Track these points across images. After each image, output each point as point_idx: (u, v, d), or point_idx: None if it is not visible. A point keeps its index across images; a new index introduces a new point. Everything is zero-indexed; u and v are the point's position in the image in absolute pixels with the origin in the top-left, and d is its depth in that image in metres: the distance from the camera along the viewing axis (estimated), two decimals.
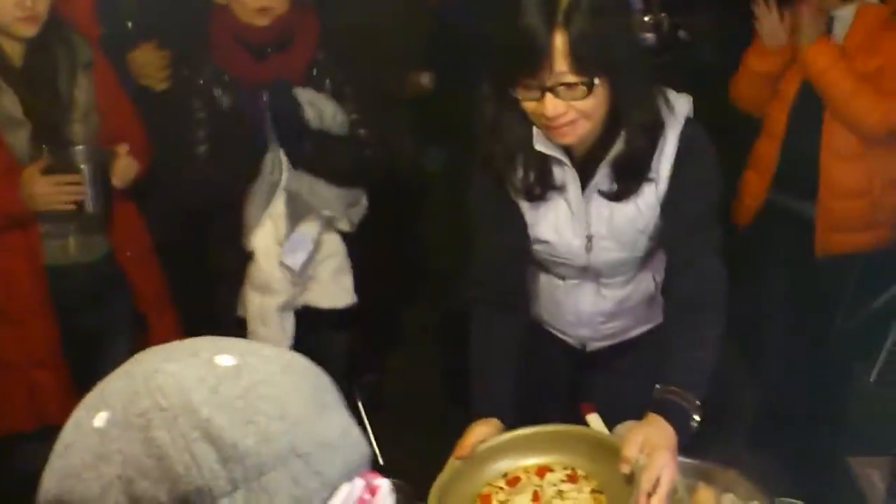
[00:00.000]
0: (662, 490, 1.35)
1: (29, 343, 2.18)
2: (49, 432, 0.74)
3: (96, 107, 2.18)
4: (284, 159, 2.08)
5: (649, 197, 1.58)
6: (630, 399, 1.85)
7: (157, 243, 2.40)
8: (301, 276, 2.15)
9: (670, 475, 1.38)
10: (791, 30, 2.49)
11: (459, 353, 1.77)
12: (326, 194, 2.14)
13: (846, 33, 2.46)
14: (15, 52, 2.07)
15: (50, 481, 0.69)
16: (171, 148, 2.18)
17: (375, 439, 2.71)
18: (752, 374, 2.77)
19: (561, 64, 1.41)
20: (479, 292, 1.68)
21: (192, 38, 2.24)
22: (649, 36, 4.37)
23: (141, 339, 2.42)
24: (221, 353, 0.70)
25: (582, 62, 1.41)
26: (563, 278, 1.74)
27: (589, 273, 1.70)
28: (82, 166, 2.04)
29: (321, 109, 2.10)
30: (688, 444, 1.48)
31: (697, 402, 1.47)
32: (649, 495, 1.34)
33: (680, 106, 1.56)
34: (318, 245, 2.15)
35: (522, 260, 1.70)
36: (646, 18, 4.41)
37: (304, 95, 2.07)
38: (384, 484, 0.72)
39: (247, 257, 2.19)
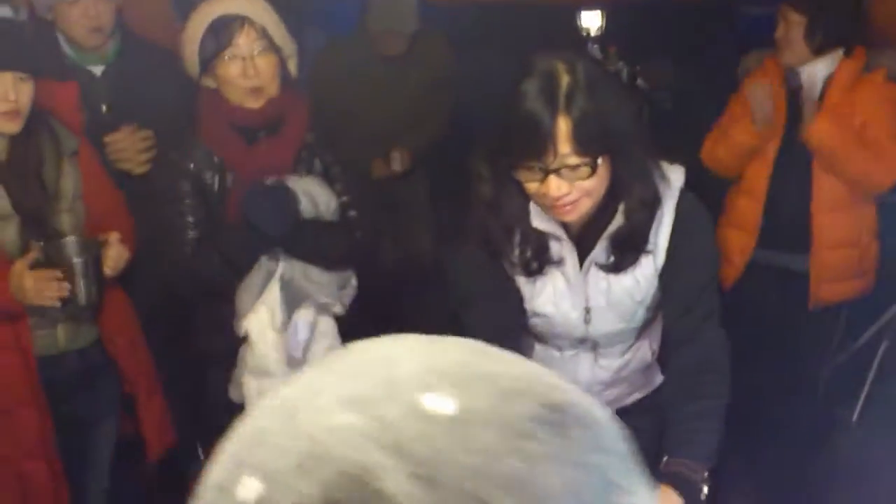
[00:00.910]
0: None
1: (20, 433, 2.17)
2: None
3: (83, 195, 2.19)
4: (279, 251, 2.10)
5: (647, 269, 1.62)
6: None
7: (144, 327, 2.41)
8: (298, 361, 2.17)
9: None
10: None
11: None
12: (320, 280, 2.17)
13: (826, 93, 2.54)
14: (0, 146, 2.08)
15: None
16: (159, 233, 2.19)
17: None
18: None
19: (564, 147, 1.45)
20: None
21: (177, 121, 2.26)
22: None
23: (129, 421, 2.43)
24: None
25: (585, 144, 1.45)
26: (560, 349, 1.77)
27: (587, 344, 1.73)
28: (74, 259, 2.05)
29: (314, 197, 2.13)
30: None
31: (706, 474, 1.51)
32: None
33: (675, 177, 1.61)
34: (313, 329, 2.17)
35: (518, 331, 1.72)
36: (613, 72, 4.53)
37: (300, 185, 2.09)
38: None
39: (237, 342, 2.19)
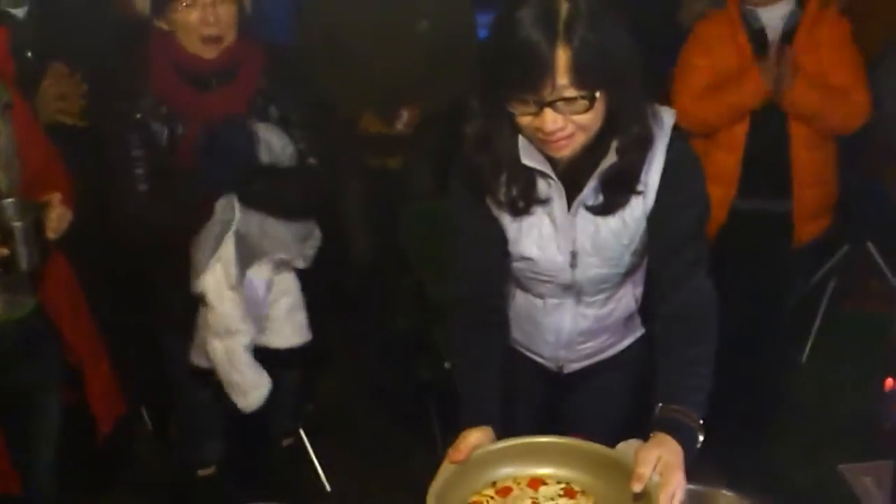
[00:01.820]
0: None
1: None
2: None
3: (17, 152, 2.01)
4: (235, 199, 1.99)
5: (636, 210, 1.58)
6: (610, 418, 1.88)
7: (88, 292, 2.26)
8: (257, 317, 2.07)
9: (682, 495, 1.38)
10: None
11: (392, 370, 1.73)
12: (278, 234, 2.06)
13: (794, 38, 2.52)
14: None
15: None
16: (107, 188, 2.04)
17: (321, 466, 2.67)
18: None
19: (563, 78, 1.37)
20: (459, 309, 1.65)
21: (110, 66, 2.10)
22: None
23: (75, 391, 2.29)
24: None
25: (584, 76, 1.37)
26: (542, 297, 1.73)
27: (571, 291, 1.70)
28: (14, 223, 1.88)
29: (270, 142, 2.02)
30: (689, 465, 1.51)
31: (700, 421, 1.48)
32: None
33: (667, 118, 1.56)
34: (270, 285, 2.07)
35: (503, 275, 1.68)
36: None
37: (255, 130, 1.99)
38: None
39: (194, 303, 2.08)
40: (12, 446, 2.17)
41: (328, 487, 2.69)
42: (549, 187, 1.58)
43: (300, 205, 2.08)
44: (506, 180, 1.56)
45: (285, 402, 2.43)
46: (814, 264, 3.27)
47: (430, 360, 2.86)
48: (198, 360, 2.09)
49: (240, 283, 2.01)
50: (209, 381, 2.11)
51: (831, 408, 2.98)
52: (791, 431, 2.91)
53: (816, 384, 3.17)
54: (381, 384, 3.15)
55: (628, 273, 1.70)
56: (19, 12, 2.31)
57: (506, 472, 1.46)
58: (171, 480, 2.65)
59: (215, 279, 2.00)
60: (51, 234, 1.97)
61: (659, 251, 1.60)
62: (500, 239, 1.63)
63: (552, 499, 1.42)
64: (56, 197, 1.97)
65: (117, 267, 2.31)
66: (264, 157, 2.02)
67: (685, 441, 1.44)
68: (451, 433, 1.50)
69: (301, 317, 2.16)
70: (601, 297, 1.72)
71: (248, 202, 2.00)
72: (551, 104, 1.40)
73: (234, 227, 1.99)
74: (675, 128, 1.58)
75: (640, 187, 1.55)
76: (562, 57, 1.37)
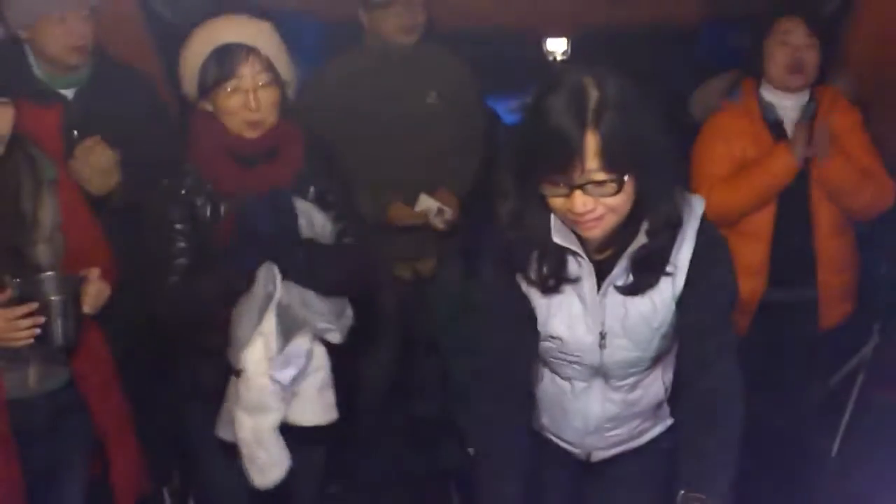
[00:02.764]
0: None
1: None
2: None
3: (61, 226, 2.06)
4: (277, 271, 2.00)
5: (665, 293, 1.60)
6: None
7: (121, 364, 2.27)
8: (287, 394, 2.06)
9: None
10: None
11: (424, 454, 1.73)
12: (318, 307, 2.08)
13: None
14: None
15: None
16: (147, 261, 2.08)
17: None
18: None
19: (592, 163, 1.43)
20: (483, 387, 1.66)
21: (154, 145, 2.16)
22: None
23: (98, 466, 2.28)
24: None
25: (612, 161, 1.43)
26: (570, 380, 1.73)
27: (599, 374, 1.70)
28: (52, 297, 1.91)
29: (311, 218, 2.06)
30: None
31: None
32: None
33: (696, 203, 1.60)
34: (309, 357, 2.07)
35: (530, 355, 1.69)
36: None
37: (297, 205, 2.03)
38: None
39: (224, 375, 2.08)
40: None
41: None
42: (580, 266, 1.61)
43: (339, 282, 2.10)
44: (537, 258, 1.60)
45: (309, 482, 2.40)
46: (840, 352, 3.24)
47: (454, 444, 2.84)
48: (224, 433, 2.08)
49: (280, 358, 2.00)
50: (231, 455, 2.09)
51: (863, 499, 2.91)
52: None
53: (848, 475, 3.10)
54: (406, 468, 3.11)
55: (657, 358, 1.70)
56: (69, 93, 2.40)
57: None
58: None
59: (256, 353, 2.00)
60: (87, 310, 2.00)
61: (686, 335, 1.62)
62: (529, 317, 1.65)
63: None
64: (95, 272, 2.01)
65: (148, 339, 2.32)
66: (305, 231, 2.05)
67: None
68: None
69: (330, 395, 2.15)
70: (630, 381, 1.72)
71: (290, 275, 2.02)
72: (581, 187, 1.45)
73: (276, 300, 2.00)
74: (704, 215, 1.62)
75: (669, 268, 1.58)
76: (591, 142, 1.42)
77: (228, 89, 2.00)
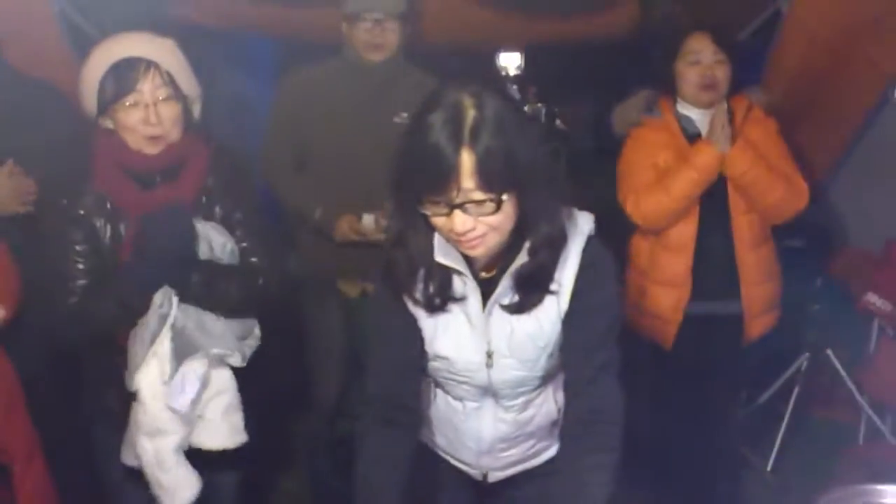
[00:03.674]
0: None
1: None
2: None
3: None
4: (172, 293, 1.98)
5: (551, 311, 1.59)
6: None
7: (26, 387, 2.23)
8: (190, 416, 2.03)
9: None
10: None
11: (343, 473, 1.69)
12: (215, 329, 2.04)
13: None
14: None
15: None
16: (48, 282, 2.03)
17: None
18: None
19: (468, 182, 1.42)
20: (370, 407, 1.64)
21: (62, 163, 2.11)
22: None
23: (4, 491, 2.23)
24: None
25: (489, 180, 1.42)
26: (461, 400, 1.72)
27: (489, 394, 1.68)
28: None
29: (210, 239, 2.03)
30: None
31: None
32: None
33: (583, 222, 1.59)
34: (205, 382, 2.04)
35: (417, 376, 1.68)
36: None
37: (197, 225, 2.00)
38: None
39: (129, 399, 2.04)
40: None
41: None
42: (465, 285, 1.59)
43: (238, 302, 2.06)
44: (422, 277, 1.58)
45: None
46: (767, 364, 3.25)
47: None
48: (128, 459, 2.04)
49: (173, 381, 1.97)
50: (140, 481, 2.05)
51: None
52: None
53: (781, 493, 3.10)
54: (335, 487, 3.07)
55: (546, 377, 1.69)
56: None
57: None
58: None
59: (150, 375, 1.97)
60: None
61: (568, 354, 1.61)
62: (416, 337, 1.64)
63: None
64: None
65: (55, 361, 2.27)
66: (204, 253, 2.02)
67: None
68: None
69: (237, 417, 2.11)
70: (520, 401, 1.71)
71: (185, 297, 1.99)
72: (460, 206, 1.43)
73: (170, 322, 1.97)
74: (595, 234, 1.61)
75: (553, 286, 1.57)
76: (466, 161, 1.41)
77: (127, 104, 1.96)
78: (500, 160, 1.42)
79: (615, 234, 2.70)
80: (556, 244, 1.54)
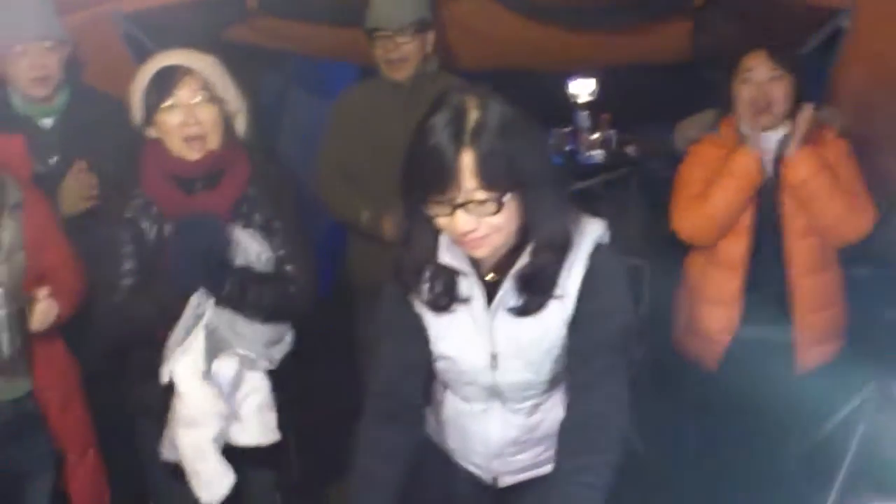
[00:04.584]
0: None
1: None
2: None
3: (24, 246, 2.18)
4: (209, 295, 2.08)
5: (556, 316, 1.59)
6: None
7: (86, 379, 2.37)
8: (225, 412, 2.11)
9: None
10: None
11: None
12: (245, 332, 2.14)
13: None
14: None
15: None
16: (96, 281, 2.18)
17: None
18: None
19: (470, 182, 1.44)
20: (374, 404, 1.67)
21: (122, 170, 2.26)
22: (597, 153, 4.48)
23: (61, 479, 2.37)
24: None
25: (490, 180, 1.44)
26: (469, 401, 1.73)
27: (495, 396, 1.69)
28: None
29: (246, 246, 2.13)
30: None
31: None
32: None
33: (591, 228, 1.60)
34: (238, 382, 2.12)
35: (421, 374, 1.70)
36: (594, 136, 4.53)
37: (235, 232, 2.10)
38: None
39: (170, 394, 2.15)
40: None
41: None
42: (470, 286, 1.61)
43: (270, 308, 2.16)
44: (429, 278, 1.61)
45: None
46: (825, 397, 3.09)
47: None
48: (168, 452, 2.14)
49: (206, 377, 2.07)
50: (180, 474, 2.14)
51: None
52: None
53: None
54: None
55: (554, 381, 1.69)
56: (46, 122, 2.55)
57: None
58: None
59: (184, 370, 2.07)
60: (35, 326, 2.12)
61: (573, 357, 1.61)
62: (422, 336, 1.67)
63: None
64: (42, 292, 2.12)
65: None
66: (240, 259, 2.12)
67: None
68: None
69: (270, 417, 2.19)
70: (528, 404, 1.71)
71: (219, 300, 2.09)
72: (462, 206, 1.46)
73: (204, 321, 2.07)
74: (606, 243, 1.61)
75: (558, 291, 1.57)
76: (468, 161, 1.44)
77: (166, 107, 2.10)
78: (502, 161, 1.44)
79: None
80: (559, 247, 1.55)
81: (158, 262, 2.14)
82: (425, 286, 1.62)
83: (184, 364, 2.05)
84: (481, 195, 1.45)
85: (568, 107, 4.64)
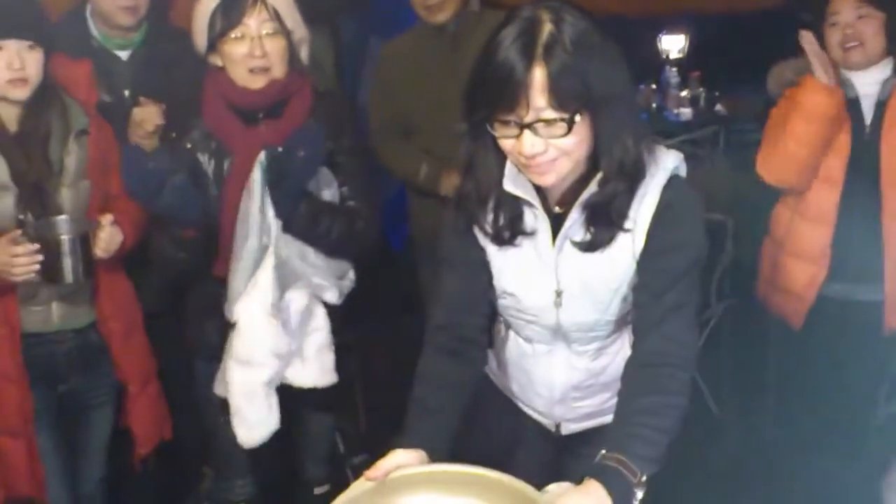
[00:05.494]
0: None
1: (1, 410, 2.13)
2: None
3: (88, 174, 2.17)
4: (275, 223, 2.01)
5: (625, 252, 1.49)
6: None
7: (146, 314, 2.36)
8: (287, 351, 2.07)
9: None
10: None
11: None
12: (317, 262, 2.07)
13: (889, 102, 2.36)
14: (10, 116, 2.08)
15: None
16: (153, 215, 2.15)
17: None
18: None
19: (539, 99, 1.34)
20: (434, 338, 1.59)
21: (184, 101, 2.21)
22: (686, 111, 4.35)
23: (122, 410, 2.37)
24: None
25: (561, 97, 1.34)
26: (531, 342, 1.65)
27: (559, 337, 1.61)
28: (62, 237, 2.02)
29: (317, 177, 2.07)
30: None
31: (643, 477, 1.34)
32: None
33: (667, 158, 1.48)
34: (307, 316, 2.07)
35: (484, 310, 1.61)
36: (683, 93, 4.38)
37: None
38: None
39: (228, 331, 2.11)
40: (62, 456, 2.28)
41: None
42: (535, 219, 1.51)
43: (337, 241, 2.09)
44: (492, 208, 1.52)
45: (315, 448, 2.40)
46: None
47: None
48: (219, 389, 2.11)
49: (276, 310, 2.02)
50: (227, 410, 2.11)
51: None
52: None
53: None
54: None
55: (620, 321, 1.59)
56: (123, 54, 2.52)
57: (422, 498, 1.36)
58: None
59: (252, 304, 2.02)
60: (99, 253, 2.09)
61: (639, 294, 1.50)
62: (485, 270, 1.58)
63: None
64: (107, 218, 2.10)
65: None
66: (311, 186, 2.06)
67: (618, 493, 1.31)
68: None
69: (329, 358, 2.14)
70: (593, 346, 1.62)
71: (288, 228, 2.02)
72: (530, 126, 1.36)
73: (272, 252, 2.00)
74: (678, 173, 1.49)
75: (628, 224, 1.46)
76: (538, 77, 1.34)
77: (234, 37, 2.03)
78: (575, 78, 1.34)
79: None
80: (630, 176, 1.44)
81: (216, 197, 2.09)
82: (489, 217, 1.53)
83: (251, 298, 2.00)
84: (551, 114, 1.35)
85: (656, 62, 4.48)
